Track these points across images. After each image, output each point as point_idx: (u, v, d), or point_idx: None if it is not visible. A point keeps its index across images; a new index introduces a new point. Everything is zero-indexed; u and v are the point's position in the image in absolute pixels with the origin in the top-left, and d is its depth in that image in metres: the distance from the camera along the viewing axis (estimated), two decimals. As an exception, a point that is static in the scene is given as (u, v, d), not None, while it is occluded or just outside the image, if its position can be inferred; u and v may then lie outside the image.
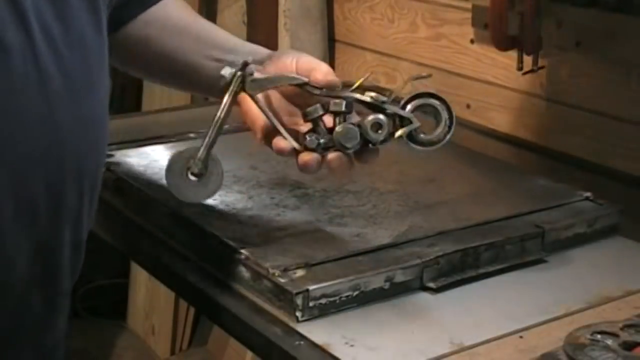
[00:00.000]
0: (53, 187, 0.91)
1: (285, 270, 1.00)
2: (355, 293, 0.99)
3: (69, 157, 0.91)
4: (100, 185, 1.02)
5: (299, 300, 0.96)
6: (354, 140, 0.98)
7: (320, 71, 1.01)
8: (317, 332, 0.95)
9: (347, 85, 1.02)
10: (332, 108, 0.99)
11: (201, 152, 1.02)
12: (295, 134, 1.01)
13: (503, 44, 1.52)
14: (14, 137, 0.85)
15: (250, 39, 1.90)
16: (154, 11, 1.15)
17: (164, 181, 1.24)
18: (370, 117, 0.99)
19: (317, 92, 1.00)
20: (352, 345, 0.92)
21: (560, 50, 1.55)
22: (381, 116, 0.99)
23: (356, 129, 0.98)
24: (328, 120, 1.00)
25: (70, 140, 0.91)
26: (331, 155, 0.99)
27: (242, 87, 1.01)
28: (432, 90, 1.01)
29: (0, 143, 0.84)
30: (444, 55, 1.78)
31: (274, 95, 1.04)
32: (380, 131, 0.99)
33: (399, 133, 0.99)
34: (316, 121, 0.99)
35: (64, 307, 1.02)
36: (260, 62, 1.05)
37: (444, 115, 1.00)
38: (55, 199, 0.92)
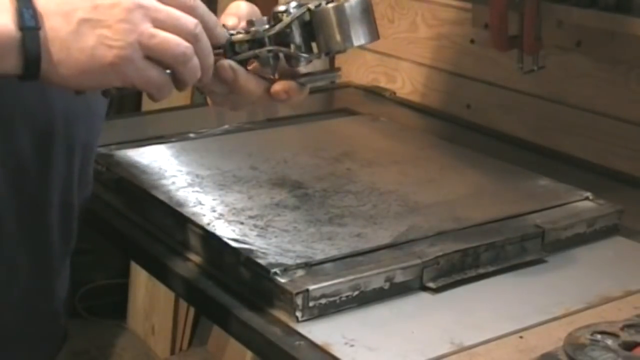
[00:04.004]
0: (40, 145, 0.94)
1: (285, 270, 1.00)
2: (355, 293, 0.99)
3: (58, 117, 0.95)
4: (94, 157, 1.05)
5: (299, 300, 0.96)
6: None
7: None
8: (317, 332, 0.95)
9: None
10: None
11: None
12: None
13: (503, 44, 1.52)
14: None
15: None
16: None
17: (163, 181, 1.25)
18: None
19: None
20: (352, 345, 0.92)
21: (560, 50, 1.55)
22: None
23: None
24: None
25: (58, 101, 0.94)
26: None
27: None
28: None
29: None
30: (444, 55, 1.78)
31: None
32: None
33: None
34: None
35: (58, 272, 1.04)
36: None
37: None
38: (43, 158, 0.95)
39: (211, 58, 0.87)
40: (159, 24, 0.81)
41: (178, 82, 0.85)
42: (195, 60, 0.84)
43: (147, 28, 0.80)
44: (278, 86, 0.93)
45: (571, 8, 1.45)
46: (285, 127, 1.54)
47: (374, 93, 1.88)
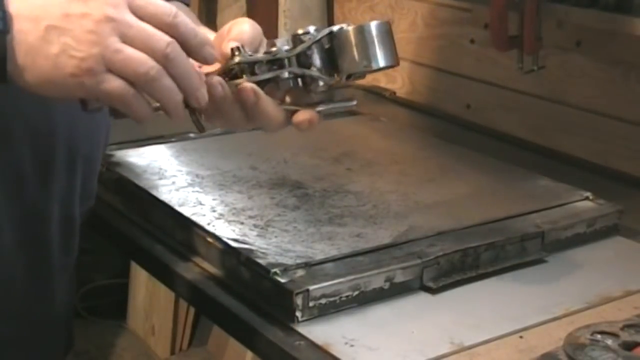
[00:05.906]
0: (41, 158, 0.93)
1: (285, 270, 1.00)
2: (355, 293, 0.99)
3: (59, 129, 0.94)
4: (97, 169, 1.04)
5: (299, 300, 0.96)
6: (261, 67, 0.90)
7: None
8: (317, 332, 0.95)
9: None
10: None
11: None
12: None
13: (503, 44, 1.52)
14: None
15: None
16: None
17: (163, 181, 1.25)
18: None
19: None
20: (352, 345, 0.92)
21: (560, 50, 1.55)
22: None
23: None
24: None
25: (60, 112, 0.93)
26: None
27: None
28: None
29: None
30: (444, 55, 1.78)
31: None
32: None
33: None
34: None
35: (59, 284, 1.03)
36: None
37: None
38: (44, 170, 0.94)
39: (193, 79, 0.81)
40: (129, 40, 0.77)
41: (161, 105, 0.81)
42: (166, 81, 0.78)
43: (114, 42, 0.76)
44: (302, 116, 0.89)
45: (571, 8, 1.46)
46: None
47: (374, 93, 1.88)
